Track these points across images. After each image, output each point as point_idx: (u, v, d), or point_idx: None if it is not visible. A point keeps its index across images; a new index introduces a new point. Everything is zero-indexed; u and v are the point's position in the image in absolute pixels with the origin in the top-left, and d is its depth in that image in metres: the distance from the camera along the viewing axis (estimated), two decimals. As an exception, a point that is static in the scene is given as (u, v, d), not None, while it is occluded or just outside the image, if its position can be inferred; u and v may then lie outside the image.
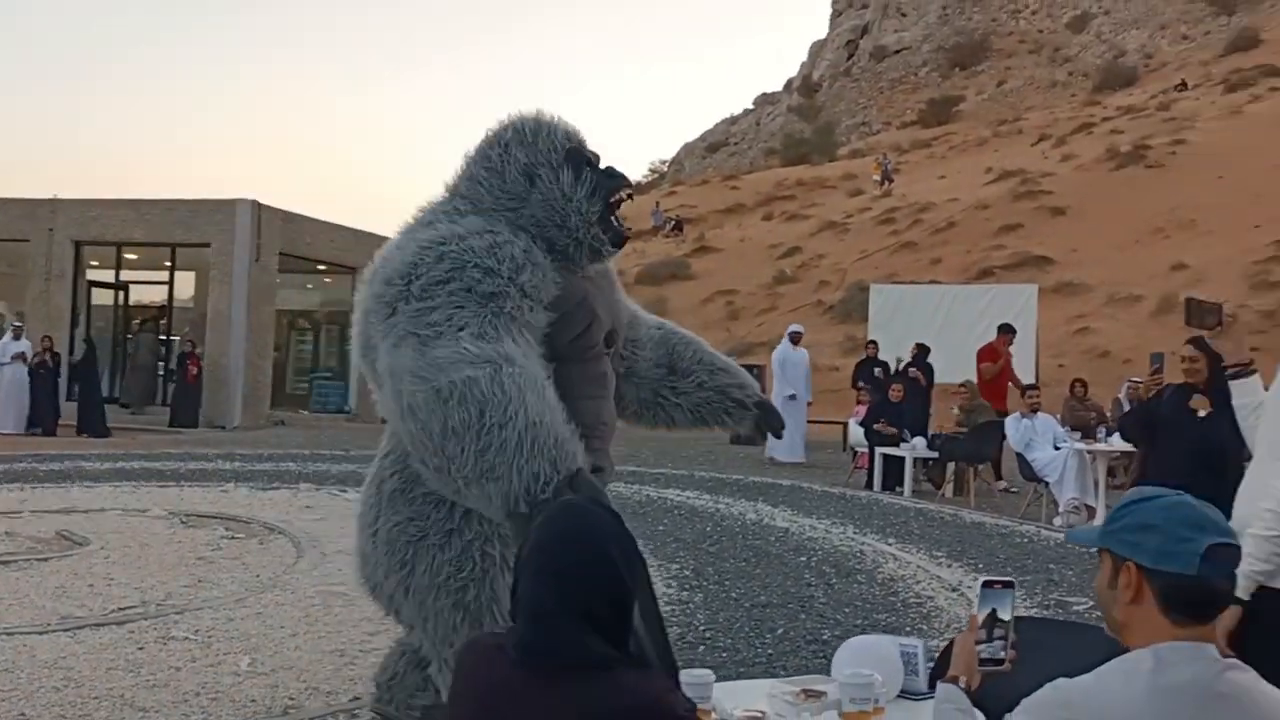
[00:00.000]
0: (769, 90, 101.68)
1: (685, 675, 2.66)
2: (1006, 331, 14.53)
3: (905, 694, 2.88)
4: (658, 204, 51.78)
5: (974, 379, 15.96)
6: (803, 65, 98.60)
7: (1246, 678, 2.03)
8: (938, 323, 21.10)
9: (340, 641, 5.77)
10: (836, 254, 38.31)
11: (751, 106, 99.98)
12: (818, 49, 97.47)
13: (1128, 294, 28.84)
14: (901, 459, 13.28)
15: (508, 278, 3.56)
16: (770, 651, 5.95)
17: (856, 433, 15.17)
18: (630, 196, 4.03)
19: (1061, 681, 2.05)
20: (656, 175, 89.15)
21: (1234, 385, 3.46)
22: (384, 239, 3.89)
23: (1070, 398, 14.99)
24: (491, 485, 3.09)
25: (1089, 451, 11.32)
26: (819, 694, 2.70)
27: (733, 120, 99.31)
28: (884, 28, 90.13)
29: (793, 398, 16.63)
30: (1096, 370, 22.68)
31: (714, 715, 2.59)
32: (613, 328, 4.03)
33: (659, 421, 4.57)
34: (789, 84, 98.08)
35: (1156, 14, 77.23)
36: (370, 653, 5.53)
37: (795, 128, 77.94)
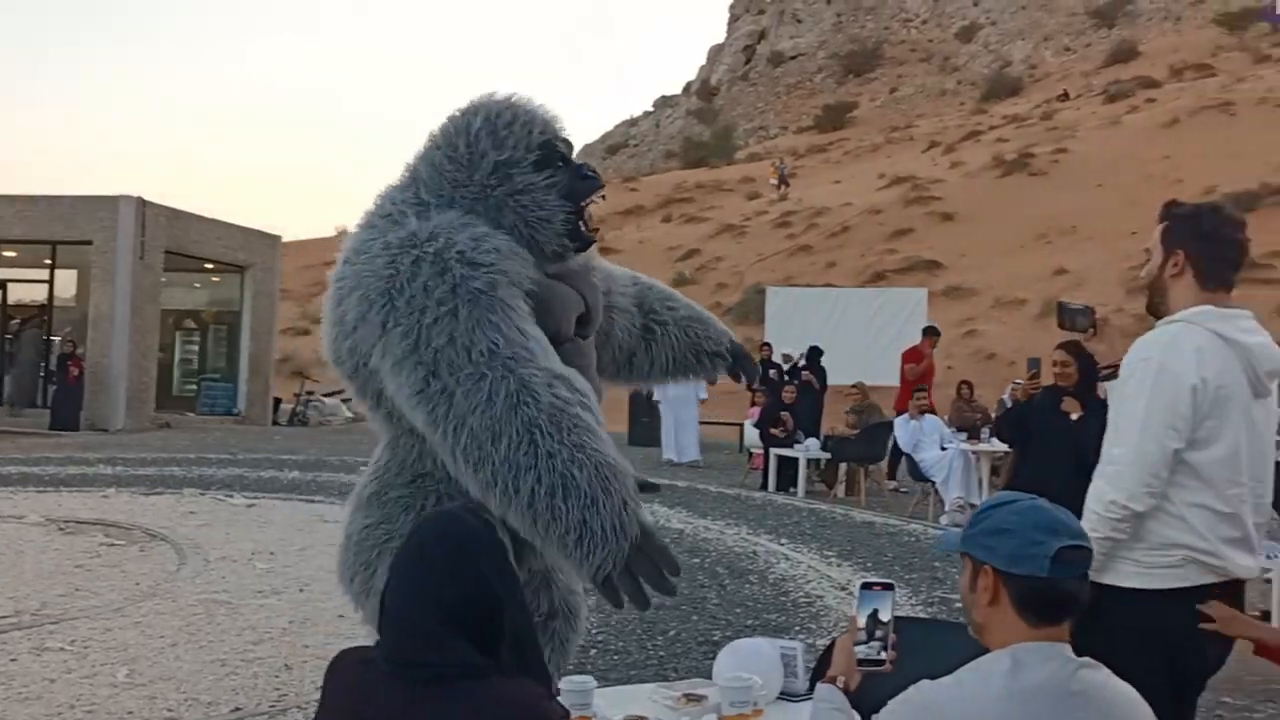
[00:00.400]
0: (668, 93, 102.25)
1: (565, 683, 2.66)
2: (931, 334, 14.75)
3: (785, 696, 2.90)
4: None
5: (865, 381, 16.23)
6: (701, 69, 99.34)
7: (1099, 675, 2.10)
8: (831, 325, 21.46)
9: (222, 651, 5.65)
10: (734, 256, 38.66)
11: (651, 109, 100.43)
12: (716, 53, 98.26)
13: (1013, 298, 29.58)
14: (795, 460, 13.44)
15: (491, 266, 3.39)
16: (662, 654, 5.98)
17: (752, 434, 15.31)
18: (602, 198, 3.86)
19: (924, 684, 2.10)
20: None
21: (1107, 387, 3.58)
22: (274, 237, 3.73)
23: (957, 399, 15.30)
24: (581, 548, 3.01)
25: (973, 452, 11.59)
26: (699, 698, 2.72)
27: (632, 122, 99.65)
28: (780, 33, 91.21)
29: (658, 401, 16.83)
30: (983, 372, 23.21)
31: (594, 721, 2.59)
32: (589, 311, 3.89)
33: (634, 380, 4.50)
34: (688, 87, 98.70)
35: (1040, 26, 79.35)
36: (253, 662, 5.43)
37: (694, 130, 78.53)
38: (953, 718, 2.03)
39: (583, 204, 3.69)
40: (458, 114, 3.80)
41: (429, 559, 1.94)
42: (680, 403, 16.44)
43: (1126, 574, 2.85)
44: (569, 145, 3.83)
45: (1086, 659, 2.12)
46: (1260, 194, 31.00)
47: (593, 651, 5.94)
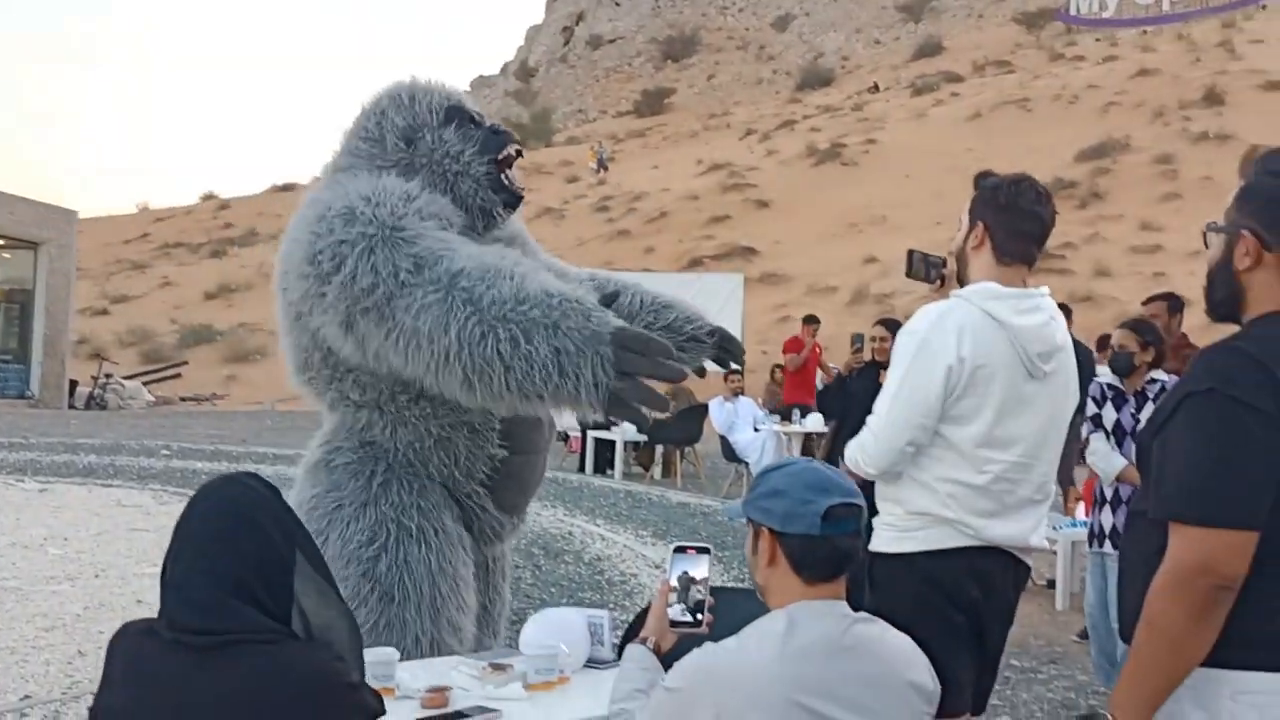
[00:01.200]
0: (486, 73, 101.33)
1: (368, 654, 2.63)
2: (810, 322, 14.46)
3: (592, 663, 2.94)
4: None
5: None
6: (519, 49, 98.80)
7: (874, 629, 2.19)
8: (648, 309, 21.64)
9: (11, 639, 5.39)
10: (553, 240, 38.62)
11: (468, 89, 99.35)
12: (534, 34, 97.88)
13: (825, 284, 30.41)
14: (612, 442, 13.55)
15: (400, 197, 3.44)
16: (486, 653, 5.97)
17: (568, 417, 15.33)
18: (519, 153, 3.87)
19: (707, 646, 2.15)
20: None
21: None
22: (70, 213, 3.57)
23: (770, 382, 15.67)
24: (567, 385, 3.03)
25: (785, 433, 11.90)
26: (505, 667, 2.73)
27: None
28: (599, 15, 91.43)
29: None
30: (796, 356, 23.81)
31: (396, 693, 2.57)
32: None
33: None
34: (505, 68, 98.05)
35: (852, 18, 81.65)
36: (44, 649, 5.20)
37: (512, 112, 78.00)
38: (730, 678, 2.09)
39: (499, 156, 3.73)
40: (364, 103, 3.87)
41: (210, 526, 1.89)
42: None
43: (885, 540, 2.96)
44: (479, 112, 3.85)
45: (862, 614, 2.21)
46: (1053, 187, 32.63)
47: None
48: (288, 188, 56.84)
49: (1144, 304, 7.18)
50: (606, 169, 49.19)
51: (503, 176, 3.76)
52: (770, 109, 59.66)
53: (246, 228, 48.75)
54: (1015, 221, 2.97)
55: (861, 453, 2.93)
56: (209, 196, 62.99)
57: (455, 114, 3.76)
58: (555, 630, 2.91)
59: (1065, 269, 26.27)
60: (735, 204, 39.02)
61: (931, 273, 3.30)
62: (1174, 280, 26.62)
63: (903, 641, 2.24)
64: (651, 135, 61.52)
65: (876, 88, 57.84)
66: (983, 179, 3.17)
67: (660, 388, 3.28)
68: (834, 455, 4.81)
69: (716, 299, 19.97)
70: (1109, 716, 2.00)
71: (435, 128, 3.73)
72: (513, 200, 3.82)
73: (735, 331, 10.83)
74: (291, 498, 3.56)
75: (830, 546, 2.16)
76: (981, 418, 2.85)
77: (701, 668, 2.13)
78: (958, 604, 2.88)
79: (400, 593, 3.45)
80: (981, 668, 3.02)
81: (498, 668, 2.73)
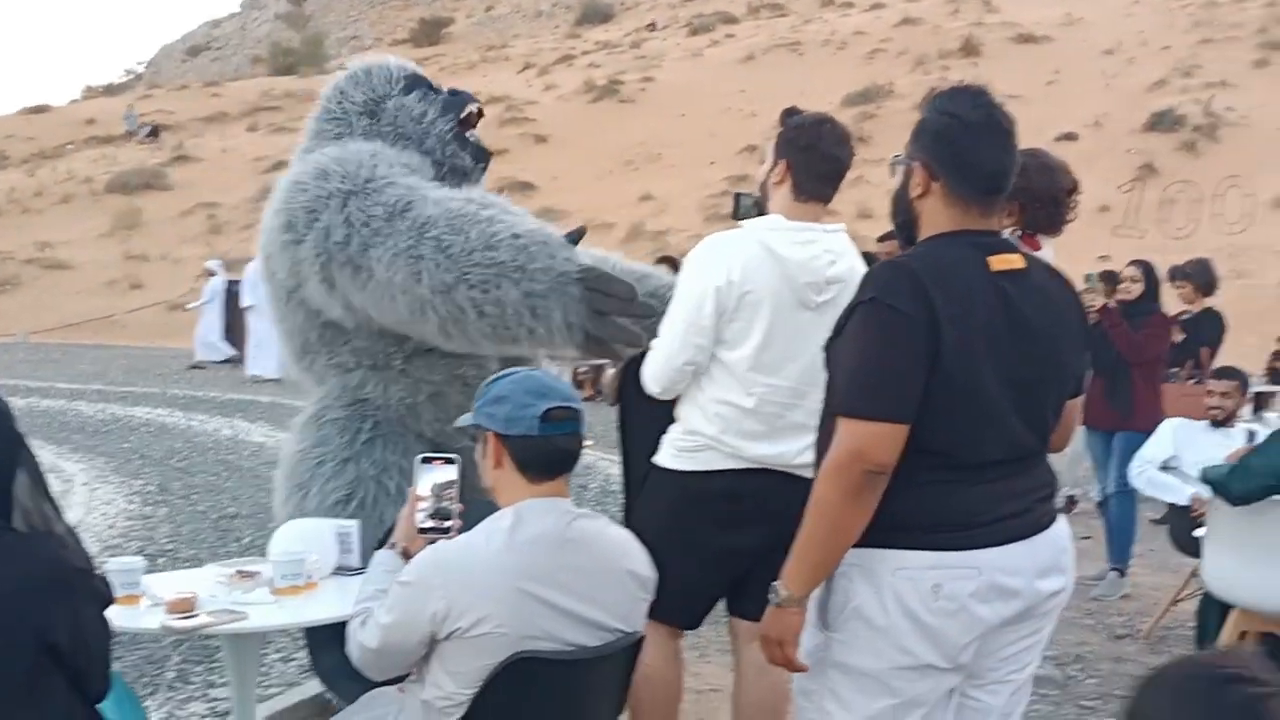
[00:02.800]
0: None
1: (113, 563, 2.73)
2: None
3: (341, 570, 3.11)
4: (131, 106, 48.17)
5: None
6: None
7: (595, 524, 2.44)
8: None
9: None
10: (325, 170, 37.63)
11: (238, 9, 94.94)
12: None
13: (602, 221, 30.72)
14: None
15: (390, 163, 3.57)
16: (235, 560, 6.02)
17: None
18: (481, 112, 3.99)
19: (439, 544, 2.35)
20: (132, 77, 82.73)
21: None
22: None
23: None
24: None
25: (558, 367, 12.15)
26: (252, 574, 2.88)
27: (216, 23, 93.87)
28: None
29: (250, 308, 16.42)
30: (571, 290, 24.11)
31: (144, 600, 2.68)
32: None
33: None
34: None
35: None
36: None
37: (283, 36, 75.01)
38: (460, 570, 2.28)
39: (461, 115, 3.88)
40: (324, 90, 4.07)
41: None
42: (265, 317, 16.06)
43: (666, 456, 3.25)
44: (436, 83, 4.01)
45: (585, 510, 2.46)
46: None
47: (161, 560, 5.90)
48: (40, 109, 53.33)
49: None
50: (381, 99, 48.04)
51: (467, 135, 3.92)
52: (549, 43, 59.36)
53: (-7, 151, 45.62)
54: (815, 162, 3.19)
55: (647, 372, 3.19)
56: (-50, 117, 58.48)
57: (414, 82, 3.93)
58: (304, 540, 3.07)
59: (830, 209, 27.31)
60: (513, 138, 38.81)
61: (754, 212, 3.43)
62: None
63: (621, 534, 2.50)
64: (428, 66, 60.07)
65: (654, 26, 58.26)
66: (789, 115, 3.36)
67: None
68: (625, 383, 5.06)
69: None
70: (779, 587, 2.30)
71: (396, 96, 3.88)
72: (480, 155, 3.97)
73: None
74: (284, 450, 3.85)
75: (550, 446, 2.36)
76: (750, 341, 3.08)
77: (433, 561, 2.33)
78: (711, 521, 3.18)
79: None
80: (732, 584, 3.32)
81: (245, 574, 2.87)
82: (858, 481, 2.21)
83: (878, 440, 2.20)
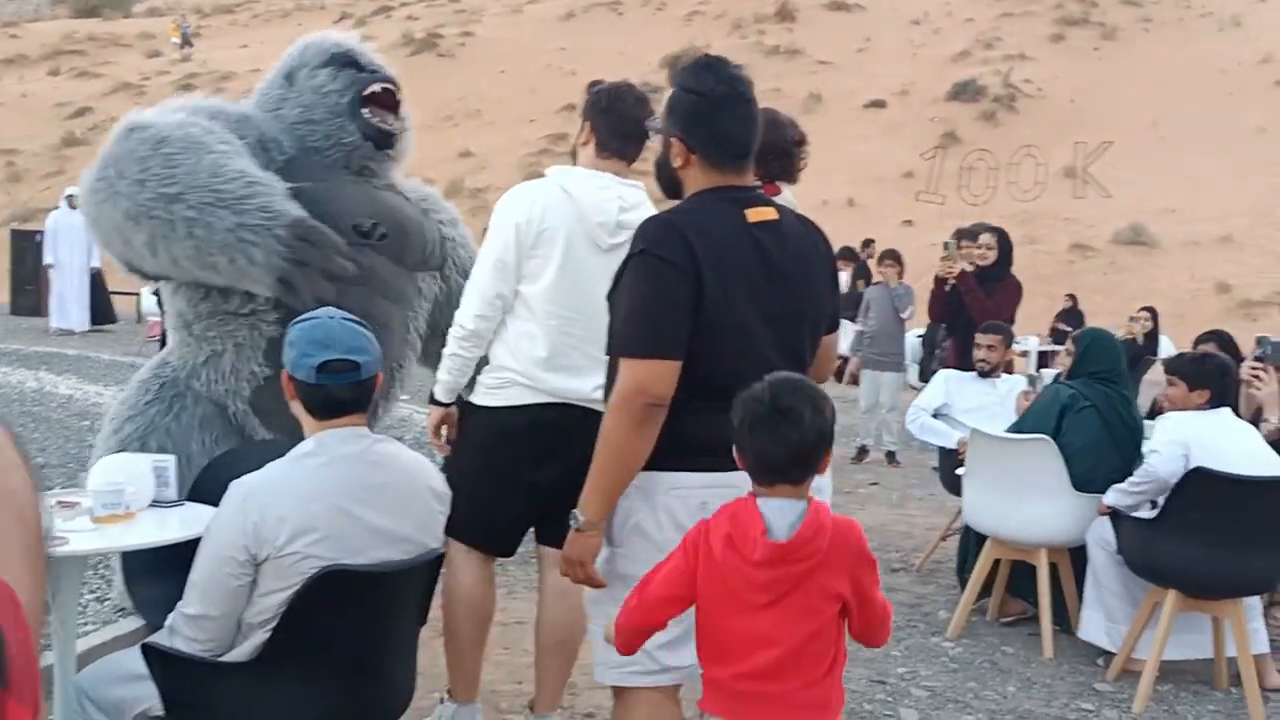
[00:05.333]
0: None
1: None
2: None
3: (157, 503, 3.26)
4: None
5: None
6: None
7: (392, 447, 2.67)
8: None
9: None
10: (130, 118, 36.16)
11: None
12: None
13: (423, 177, 30.15)
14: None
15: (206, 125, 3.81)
16: (55, 490, 6.03)
17: (149, 301, 14.92)
18: (388, 91, 4.07)
19: (247, 476, 2.51)
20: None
21: None
22: None
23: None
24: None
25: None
26: (73, 504, 3.02)
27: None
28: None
29: (50, 266, 15.92)
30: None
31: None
32: (369, 220, 4.01)
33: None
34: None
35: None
36: None
37: (84, -24, 71.31)
38: (269, 492, 2.46)
39: (364, 92, 4.01)
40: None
41: None
42: (70, 270, 15.56)
43: (478, 394, 3.50)
44: (374, 63, 4.16)
45: (382, 436, 2.68)
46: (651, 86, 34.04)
47: None
48: None
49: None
50: (191, 45, 46.33)
51: (363, 110, 4.02)
52: (368, -7, 57.97)
53: None
54: (614, 123, 3.47)
55: (461, 312, 3.44)
56: None
57: (337, 58, 4.08)
58: (122, 472, 3.21)
59: (644, 170, 27.70)
60: (330, 90, 37.99)
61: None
62: (744, 183, 28.78)
63: (417, 455, 2.74)
64: (240, 12, 58.26)
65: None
66: (593, 86, 3.66)
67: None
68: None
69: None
70: (578, 513, 2.60)
71: (313, 68, 4.06)
72: (373, 133, 4.06)
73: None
74: None
75: (325, 393, 2.54)
76: (546, 275, 3.34)
77: (247, 484, 2.51)
78: (519, 453, 3.43)
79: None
80: (536, 511, 3.58)
81: (65, 504, 3.01)
82: (639, 414, 2.50)
83: (654, 376, 2.50)
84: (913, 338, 12.20)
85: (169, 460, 3.33)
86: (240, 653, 2.52)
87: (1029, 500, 4.95)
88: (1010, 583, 5.34)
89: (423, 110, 29.54)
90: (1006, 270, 7.09)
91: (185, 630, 2.52)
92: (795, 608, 2.23)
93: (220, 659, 2.52)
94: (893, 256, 9.99)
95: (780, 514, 2.24)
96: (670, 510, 2.57)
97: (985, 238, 7.20)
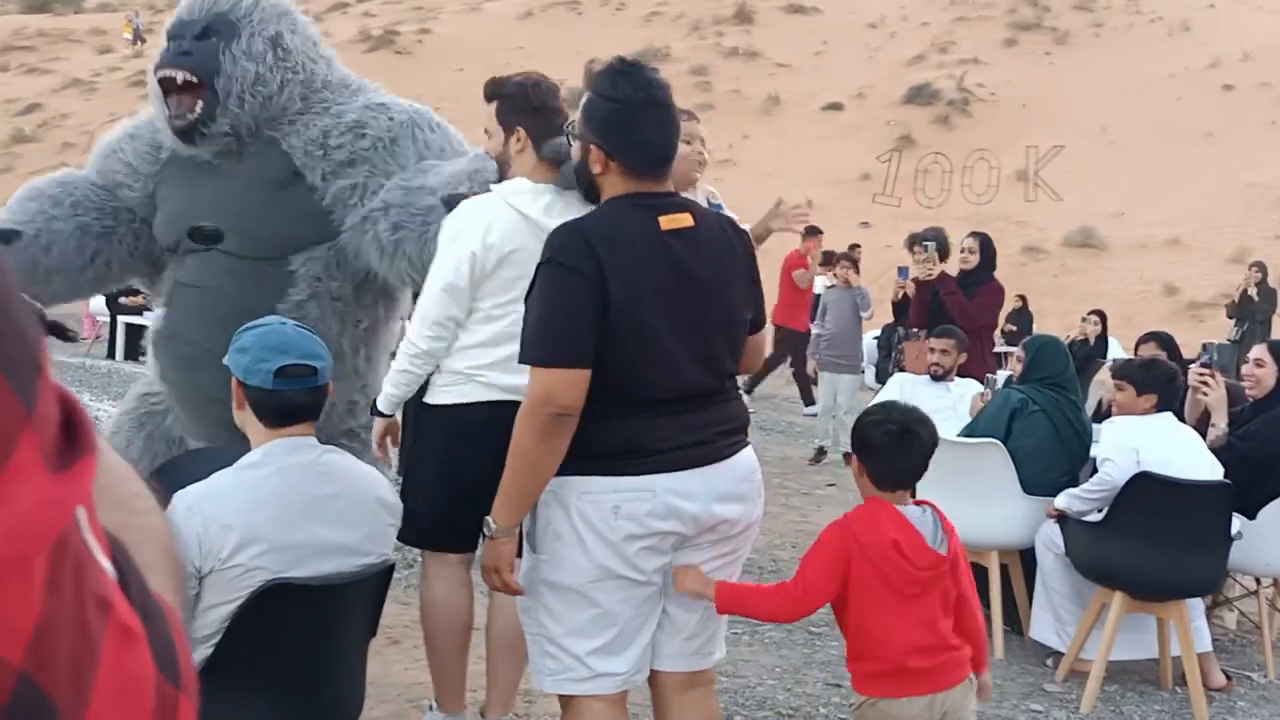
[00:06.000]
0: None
1: None
2: (813, 234, 11.19)
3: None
4: None
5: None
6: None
7: (342, 458, 2.64)
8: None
9: None
10: (83, 114, 35.68)
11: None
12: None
13: (376, 174, 30.32)
14: (144, 327, 13.21)
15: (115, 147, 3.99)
16: None
17: (97, 301, 14.76)
18: (173, 79, 3.67)
19: (190, 487, 2.45)
20: None
21: None
22: None
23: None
24: None
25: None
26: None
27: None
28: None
29: None
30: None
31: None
32: (205, 223, 3.75)
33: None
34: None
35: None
36: None
37: (35, -30, 70.35)
38: (213, 503, 2.41)
39: (159, 77, 3.69)
40: None
41: None
42: None
43: (433, 393, 3.47)
44: (177, 24, 3.75)
45: (329, 446, 2.64)
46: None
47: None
48: None
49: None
50: (144, 41, 45.73)
51: (165, 103, 3.72)
52: (324, -10, 57.58)
53: None
54: (550, 120, 3.32)
55: (411, 331, 3.39)
56: None
57: (167, 35, 3.80)
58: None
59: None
60: (285, 88, 37.73)
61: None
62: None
63: (366, 466, 2.72)
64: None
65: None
66: (502, 86, 3.51)
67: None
68: None
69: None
70: (490, 521, 2.60)
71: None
72: (172, 126, 3.70)
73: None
74: None
75: (281, 399, 2.51)
76: (509, 293, 3.22)
77: (191, 494, 2.45)
78: (474, 450, 3.39)
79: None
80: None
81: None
82: (546, 424, 2.51)
83: (560, 385, 2.50)
84: (869, 339, 12.27)
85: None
86: (185, 667, 2.48)
87: (980, 503, 4.99)
88: (961, 585, 5.38)
89: (378, 109, 28.94)
90: (990, 275, 7.08)
91: None
92: (939, 592, 2.78)
93: (164, 673, 2.49)
94: (849, 258, 10.03)
95: (923, 521, 2.81)
96: (584, 514, 2.57)
97: (967, 241, 7.21)
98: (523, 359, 2.59)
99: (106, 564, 0.58)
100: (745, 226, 3.39)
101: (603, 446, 2.56)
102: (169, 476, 3.00)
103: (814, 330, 10.31)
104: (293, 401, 2.53)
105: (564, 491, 2.59)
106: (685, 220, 2.63)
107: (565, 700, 2.73)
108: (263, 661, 2.50)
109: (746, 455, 2.76)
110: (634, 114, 2.60)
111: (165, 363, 3.91)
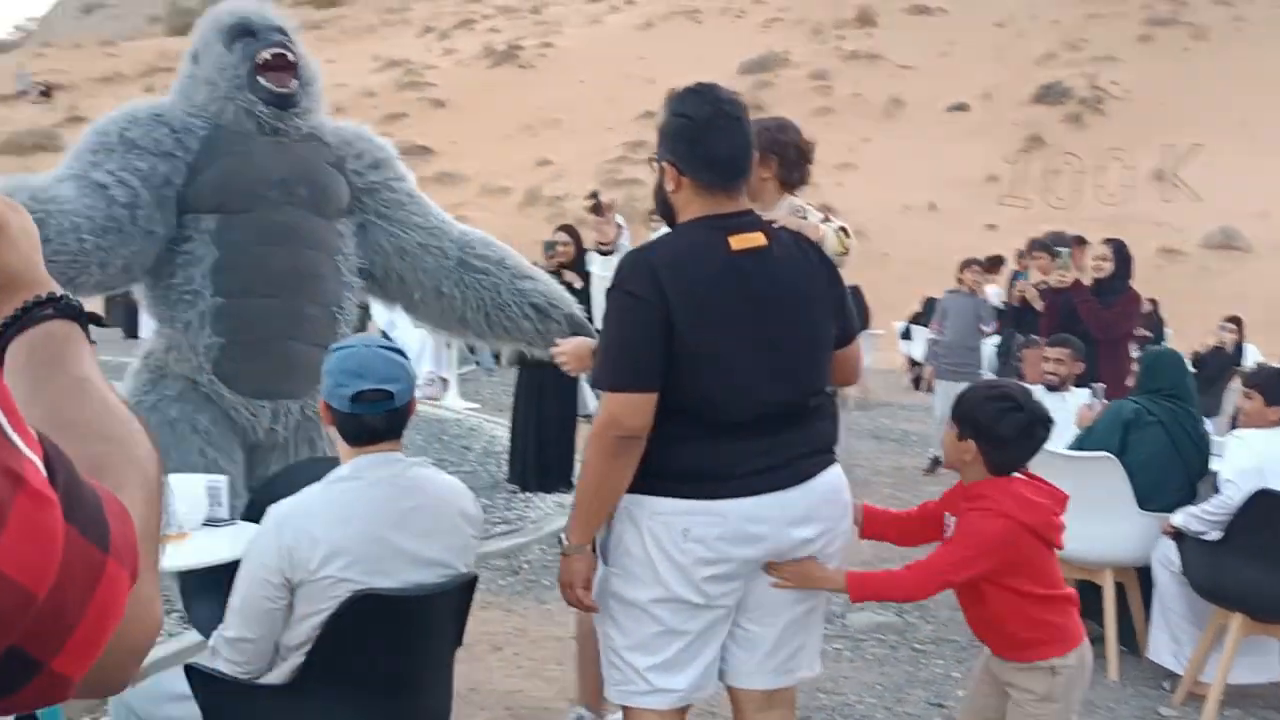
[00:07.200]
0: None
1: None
2: None
3: (210, 522, 3.34)
4: (22, 66, 46.81)
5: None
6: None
7: (427, 471, 2.70)
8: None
9: None
10: (220, 133, 37.05)
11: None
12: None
13: (499, 186, 30.81)
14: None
15: (116, 135, 4.20)
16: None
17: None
18: (277, 58, 4.29)
19: (282, 501, 2.55)
20: (23, 35, 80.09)
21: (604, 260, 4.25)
22: None
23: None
24: None
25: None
26: (125, 525, 3.10)
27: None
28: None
29: None
30: (469, 256, 24.20)
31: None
32: (288, 179, 4.33)
33: (447, 318, 4.79)
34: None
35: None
36: None
37: (180, -4, 73.19)
38: (304, 517, 2.49)
39: (257, 61, 4.27)
40: None
41: None
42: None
43: None
44: (268, 27, 4.36)
45: (416, 459, 2.71)
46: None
47: None
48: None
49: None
50: (278, 58, 47.26)
51: (260, 78, 4.28)
52: (449, 7, 58.72)
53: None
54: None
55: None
56: None
57: (233, 30, 4.32)
58: (175, 493, 3.29)
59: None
60: (412, 102, 38.60)
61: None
62: (824, 192, 28.65)
63: (450, 479, 2.77)
64: (328, 28, 59.36)
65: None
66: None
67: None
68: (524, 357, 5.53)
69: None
70: (563, 537, 2.65)
71: (213, 44, 4.34)
72: (271, 98, 4.30)
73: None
74: None
75: (359, 423, 2.57)
76: None
77: (282, 508, 2.55)
78: None
79: None
80: None
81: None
82: (612, 445, 2.55)
83: (626, 408, 2.53)
84: (989, 346, 12.03)
85: (221, 480, 3.41)
86: (278, 675, 2.56)
87: (1092, 519, 4.84)
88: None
89: (503, 120, 30.14)
90: (1125, 283, 6.88)
91: (225, 652, 2.58)
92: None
93: (258, 681, 2.57)
94: (978, 264, 9.81)
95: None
96: (654, 534, 2.60)
97: (1101, 249, 7.02)
98: (594, 383, 2.63)
99: (29, 453, 0.77)
100: (836, 228, 3.35)
101: (675, 468, 2.57)
102: (288, 483, 3.10)
103: (930, 335, 10.13)
104: (369, 425, 2.59)
105: (637, 510, 2.61)
106: (757, 240, 2.62)
107: (626, 710, 2.76)
108: (349, 670, 2.56)
109: (830, 475, 2.72)
110: (702, 128, 2.60)
111: (230, 318, 4.26)
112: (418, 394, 9.85)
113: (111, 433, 0.98)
